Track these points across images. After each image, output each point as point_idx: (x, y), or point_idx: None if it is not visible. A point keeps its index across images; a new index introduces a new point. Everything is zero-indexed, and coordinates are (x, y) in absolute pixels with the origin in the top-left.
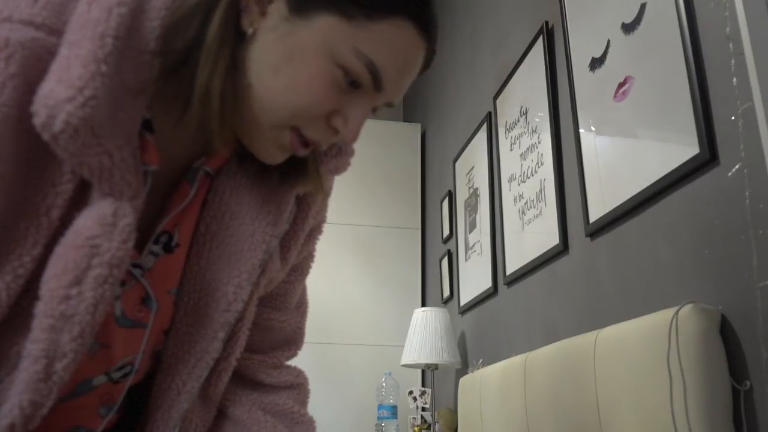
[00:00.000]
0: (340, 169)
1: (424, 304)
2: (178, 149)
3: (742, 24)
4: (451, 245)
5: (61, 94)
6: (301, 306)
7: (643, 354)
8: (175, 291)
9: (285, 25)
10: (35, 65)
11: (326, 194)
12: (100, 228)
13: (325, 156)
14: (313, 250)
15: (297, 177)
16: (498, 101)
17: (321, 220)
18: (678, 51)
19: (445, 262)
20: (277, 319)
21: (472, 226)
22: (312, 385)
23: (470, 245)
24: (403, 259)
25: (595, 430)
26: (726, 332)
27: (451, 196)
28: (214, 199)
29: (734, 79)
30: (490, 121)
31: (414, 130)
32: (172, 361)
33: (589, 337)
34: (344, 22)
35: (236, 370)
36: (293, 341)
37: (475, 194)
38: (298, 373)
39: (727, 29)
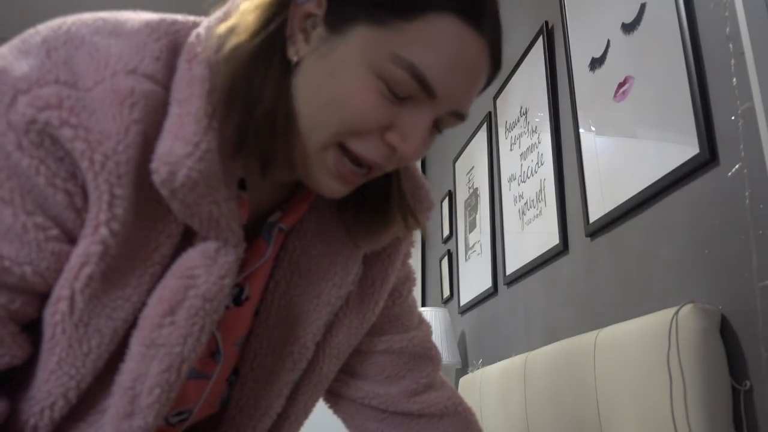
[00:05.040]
0: (418, 223)
1: (424, 304)
2: (258, 205)
3: (742, 24)
4: (451, 245)
5: (180, 150)
6: (422, 323)
7: (643, 354)
8: (240, 342)
9: (324, 45)
10: (153, 116)
11: (407, 254)
12: (201, 260)
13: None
14: (410, 272)
15: (363, 236)
16: (498, 101)
17: (408, 272)
18: (678, 51)
19: (445, 262)
20: (400, 340)
21: (472, 226)
22: None
23: (470, 245)
24: None
25: (595, 430)
26: (726, 332)
27: (451, 196)
28: (284, 258)
29: (734, 79)
30: (490, 121)
31: None
32: (237, 413)
33: (589, 337)
34: (378, 29)
35: (389, 410)
36: (425, 358)
37: (475, 194)
38: (450, 396)
39: (727, 29)
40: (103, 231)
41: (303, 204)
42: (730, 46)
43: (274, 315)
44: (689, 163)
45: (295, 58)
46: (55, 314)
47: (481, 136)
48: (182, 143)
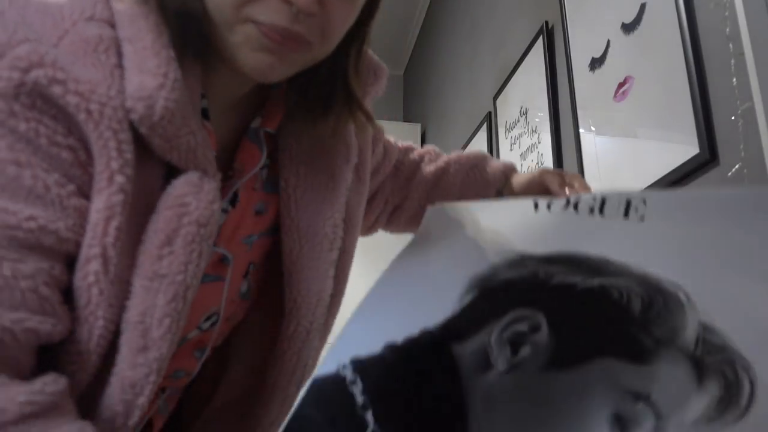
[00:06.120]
0: (379, 92)
1: None
2: (231, 116)
3: (742, 24)
4: None
5: (151, 83)
6: (389, 144)
7: None
8: (251, 240)
9: None
10: (119, 60)
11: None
12: (188, 188)
13: (366, 86)
14: (378, 130)
15: (349, 115)
16: (498, 101)
17: (376, 132)
18: (678, 51)
19: None
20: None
21: None
22: None
23: None
24: None
25: None
26: None
27: None
28: (284, 157)
29: (734, 79)
30: (490, 121)
31: (414, 130)
32: (293, 306)
33: None
34: None
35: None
36: (407, 160)
37: None
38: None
39: (727, 29)
40: (119, 179)
41: (280, 105)
42: (730, 46)
43: (294, 209)
44: (689, 163)
45: None
46: (87, 276)
47: (481, 136)
48: (151, 76)
